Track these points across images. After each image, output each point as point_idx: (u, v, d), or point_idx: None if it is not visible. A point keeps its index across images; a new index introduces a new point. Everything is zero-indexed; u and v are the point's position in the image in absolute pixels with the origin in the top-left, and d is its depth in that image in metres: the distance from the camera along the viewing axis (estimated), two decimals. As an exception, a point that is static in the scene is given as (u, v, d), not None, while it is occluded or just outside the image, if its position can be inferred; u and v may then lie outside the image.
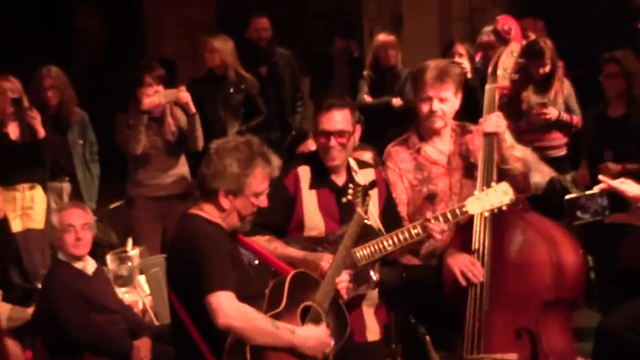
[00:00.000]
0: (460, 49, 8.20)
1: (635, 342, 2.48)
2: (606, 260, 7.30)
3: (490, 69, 5.29)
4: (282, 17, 10.27)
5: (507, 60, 5.26)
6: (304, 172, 4.89)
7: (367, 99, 9.00)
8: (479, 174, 5.01)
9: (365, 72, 9.17)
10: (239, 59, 8.98)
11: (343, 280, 4.47)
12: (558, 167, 7.33)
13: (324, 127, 4.82)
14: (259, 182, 4.21)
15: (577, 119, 7.79)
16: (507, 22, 5.31)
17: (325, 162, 4.86)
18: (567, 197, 3.35)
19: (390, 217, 4.91)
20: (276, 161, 4.40)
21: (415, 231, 4.67)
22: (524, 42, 8.31)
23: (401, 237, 4.67)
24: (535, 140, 7.63)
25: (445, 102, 5.11)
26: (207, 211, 4.21)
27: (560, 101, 7.81)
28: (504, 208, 4.70)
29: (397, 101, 8.69)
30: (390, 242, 4.66)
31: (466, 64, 7.89)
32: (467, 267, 4.86)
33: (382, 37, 9.16)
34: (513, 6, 10.88)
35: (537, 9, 9.61)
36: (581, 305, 7.26)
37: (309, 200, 4.84)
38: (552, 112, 7.71)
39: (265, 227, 4.70)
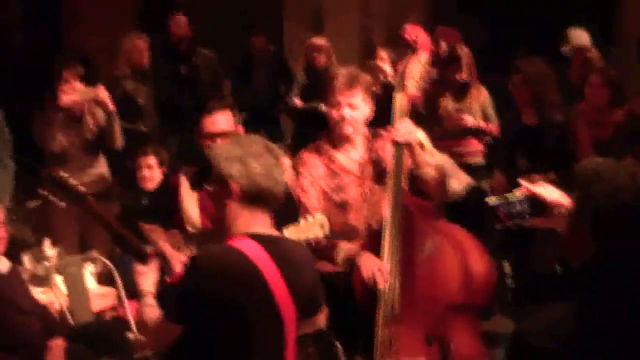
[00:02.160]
0: (383, 53, 8.26)
1: (549, 348, 2.54)
2: (520, 266, 7.44)
3: (398, 78, 5.30)
4: (202, 16, 10.24)
5: (414, 69, 5.29)
6: (188, 173, 5.17)
7: (297, 102, 9.04)
8: (388, 182, 5.03)
9: (297, 74, 9.21)
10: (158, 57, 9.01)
11: None
12: (475, 174, 7.43)
13: (208, 129, 5.05)
14: None
15: (493, 126, 7.89)
16: (414, 31, 5.36)
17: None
18: (488, 200, 3.40)
19: None
20: None
21: None
22: (436, 49, 8.49)
23: None
24: (452, 146, 7.71)
25: (354, 108, 5.14)
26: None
27: (476, 108, 7.90)
28: (322, 242, 4.68)
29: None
30: None
31: (387, 68, 7.96)
32: (375, 270, 4.90)
33: (312, 40, 9.20)
34: (434, 5, 10.99)
35: (455, 14, 9.73)
36: (496, 311, 7.42)
37: (189, 199, 5.07)
38: (468, 119, 7.81)
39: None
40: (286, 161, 4.83)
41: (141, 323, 4.82)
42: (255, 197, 3.67)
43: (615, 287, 2.62)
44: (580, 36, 8.81)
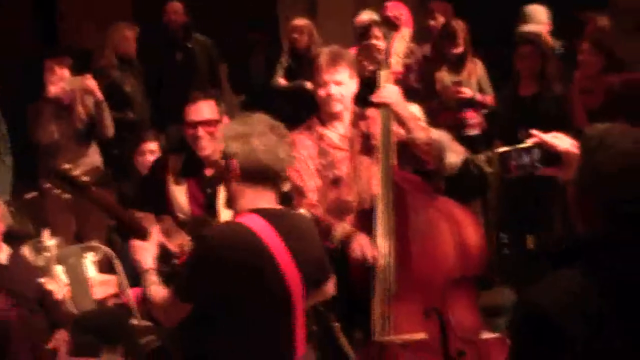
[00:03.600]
0: (377, 32, 8.24)
1: (562, 317, 2.50)
2: (520, 236, 7.43)
3: (382, 56, 5.29)
4: (198, 2, 10.21)
5: (399, 46, 5.28)
6: (176, 161, 5.17)
7: (282, 82, 9.03)
8: (378, 155, 5.03)
9: (282, 56, 9.20)
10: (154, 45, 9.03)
11: None
12: (472, 146, 7.41)
13: (191, 118, 5.05)
14: None
15: (490, 98, 7.91)
16: (396, 8, 5.35)
17: (196, 152, 5.06)
18: (499, 150, 3.37)
19: None
20: None
21: None
22: (435, 24, 8.48)
23: None
24: (450, 118, 7.74)
25: (341, 85, 5.15)
26: None
27: (473, 81, 7.93)
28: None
29: (311, 85, 8.69)
30: None
31: (383, 46, 7.93)
32: (365, 249, 4.89)
33: (293, 21, 9.21)
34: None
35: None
36: (496, 282, 7.40)
37: (178, 188, 5.10)
38: (466, 91, 7.82)
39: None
40: None
41: (144, 307, 4.79)
42: (256, 175, 3.73)
43: (631, 255, 2.58)
44: (539, 13, 8.62)
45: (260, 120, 3.80)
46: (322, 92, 5.18)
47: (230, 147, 3.74)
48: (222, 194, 4.98)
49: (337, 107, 5.19)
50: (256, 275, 3.62)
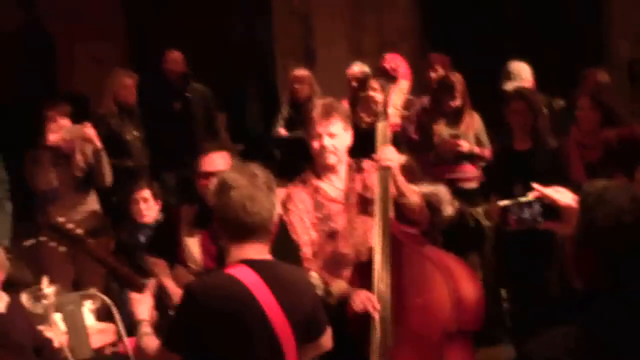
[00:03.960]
0: (375, 83, 8.30)
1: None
2: (519, 291, 7.42)
3: (380, 108, 5.33)
4: (197, 53, 10.28)
5: (396, 98, 5.32)
6: (189, 211, 5.18)
7: (282, 132, 9.07)
8: (376, 209, 5.02)
9: (282, 106, 9.24)
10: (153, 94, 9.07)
11: None
12: (469, 199, 7.43)
13: (204, 169, 5.09)
14: None
15: (487, 152, 7.93)
16: (393, 61, 5.38)
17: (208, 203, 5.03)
18: (500, 203, 3.39)
19: None
20: None
21: None
22: (435, 76, 8.52)
23: None
24: (447, 172, 7.76)
25: (334, 137, 5.18)
26: None
27: (471, 134, 7.94)
28: None
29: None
30: None
31: (380, 98, 7.97)
32: (368, 300, 4.88)
33: (294, 71, 9.27)
34: (423, 40, 11.03)
35: (446, 44, 9.77)
36: (496, 338, 7.37)
37: (191, 239, 5.12)
38: (463, 144, 7.84)
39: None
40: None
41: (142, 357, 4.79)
42: (234, 230, 3.69)
43: (625, 310, 2.61)
44: (521, 70, 8.67)
45: (241, 171, 3.75)
46: (315, 144, 5.20)
47: (212, 200, 3.75)
48: None
49: (331, 159, 5.21)
50: (243, 326, 3.58)
